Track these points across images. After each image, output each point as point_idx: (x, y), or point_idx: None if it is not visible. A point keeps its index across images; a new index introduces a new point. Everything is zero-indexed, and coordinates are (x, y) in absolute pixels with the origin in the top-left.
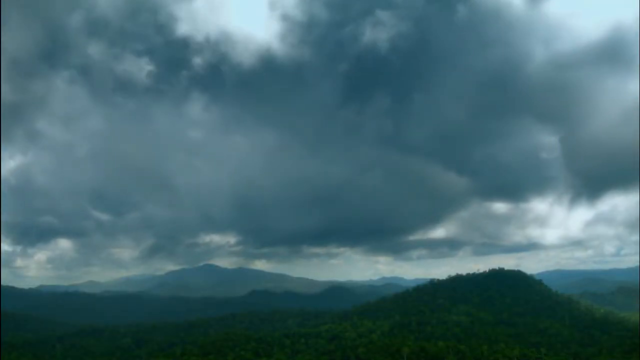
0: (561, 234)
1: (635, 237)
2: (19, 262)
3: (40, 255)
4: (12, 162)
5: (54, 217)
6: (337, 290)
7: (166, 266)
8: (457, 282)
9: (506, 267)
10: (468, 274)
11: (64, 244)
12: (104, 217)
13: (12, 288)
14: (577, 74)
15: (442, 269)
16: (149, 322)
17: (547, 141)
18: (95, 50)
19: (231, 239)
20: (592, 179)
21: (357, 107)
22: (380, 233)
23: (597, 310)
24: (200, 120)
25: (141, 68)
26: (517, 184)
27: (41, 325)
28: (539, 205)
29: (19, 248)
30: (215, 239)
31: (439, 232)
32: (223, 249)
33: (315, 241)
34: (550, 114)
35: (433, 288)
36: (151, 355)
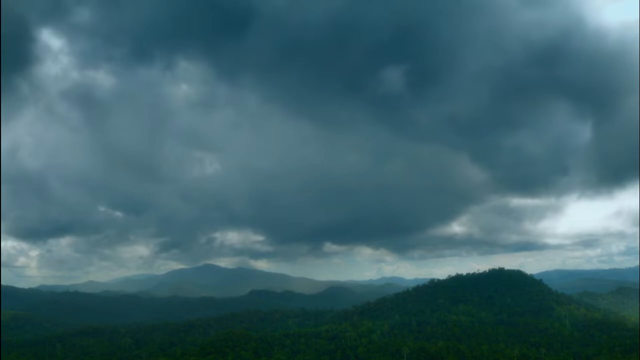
0: (569, 233)
1: None
2: (19, 261)
3: (41, 253)
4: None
5: (54, 214)
6: (337, 290)
7: (166, 266)
8: (457, 282)
9: (510, 267)
10: (468, 274)
11: (64, 242)
12: (106, 214)
13: (12, 288)
14: (629, 48)
15: (445, 269)
16: (149, 322)
17: (579, 129)
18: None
19: (243, 236)
20: (615, 172)
21: (374, 89)
22: (391, 231)
23: (597, 310)
24: (210, 107)
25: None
26: (537, 180)
27: (41, 325)
28: (554, 202)
29: (16, 244)
30: (221, 236)
31: (448, 230)
32: (231, 248)
33: (330, 238)
34: (589, 97)
35: (433, 288)
36: (151, 355)
